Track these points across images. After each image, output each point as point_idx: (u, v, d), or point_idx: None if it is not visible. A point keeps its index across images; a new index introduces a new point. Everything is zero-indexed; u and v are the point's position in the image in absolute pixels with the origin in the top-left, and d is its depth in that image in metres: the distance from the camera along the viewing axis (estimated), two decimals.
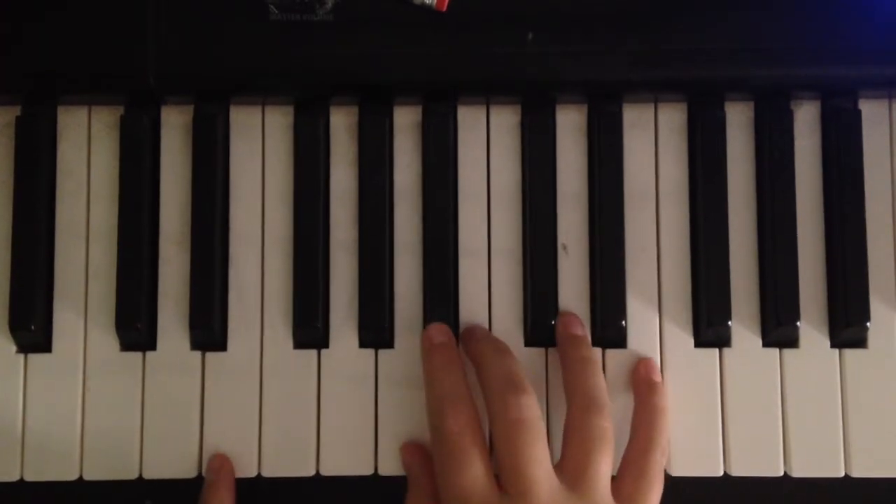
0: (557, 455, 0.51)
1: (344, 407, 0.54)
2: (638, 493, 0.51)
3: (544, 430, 0.50)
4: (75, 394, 0.54)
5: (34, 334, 0.54)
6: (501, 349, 0.53)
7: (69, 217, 0.55)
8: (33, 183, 0.55)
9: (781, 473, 0.54)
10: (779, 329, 0.54)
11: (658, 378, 0.54)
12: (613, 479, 0.51)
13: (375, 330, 0.54)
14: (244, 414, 0.54)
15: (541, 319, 0.55)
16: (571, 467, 0.49)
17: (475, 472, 0.48)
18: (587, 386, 0.51)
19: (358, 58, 0.54)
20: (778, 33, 0.54)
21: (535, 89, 0.56)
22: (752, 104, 0.57)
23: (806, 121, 0.56)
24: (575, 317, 0.54)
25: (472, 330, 0.54)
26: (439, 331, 0.53)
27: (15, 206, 0.55)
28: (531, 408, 0.49)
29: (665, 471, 0.53)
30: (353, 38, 0.54)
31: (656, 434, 0.52)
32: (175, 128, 0.56)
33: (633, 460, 0.52)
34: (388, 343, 0.55)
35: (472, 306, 0.55)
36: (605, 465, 0.50)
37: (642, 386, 0.54)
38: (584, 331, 0.54)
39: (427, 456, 0.53)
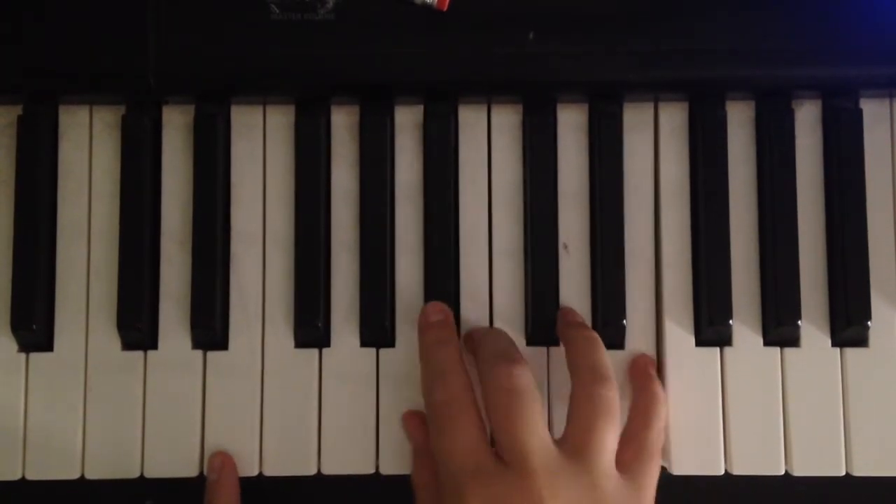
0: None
1: (345, 406, 0.54)
2: (639, 463, 0.50)
3: (540, 400, 0.49)
4: (77, 393, 0.54)
5: (36, 334, 0.54)
6: (498, 331, 0.53)
7: (71, 216, 0.56)
8: (35, 182, 0.55)
9: (783, 472, 0.54)
10: (780, 328, 0.54)
11: (655, 371, 0.54)
12: None
13: (376, 329, 0.54)
14: (245, 413, 0.54)
15: (542, 318, 0.55)
16: (575, 437, 0.48)
17: (468, 438, 0.47)
18: (592, 359, 0.51)
19: (359, 57, 0.54)
20: (778, 33, 0.54)
21: (536, 89, 0.56)
22: (752, 103, 0.56)
23: (807, 120, 0.57)
24: (574, 310, 0.55)
25: (473, 329, 0.55)
26: (435, 309, 0.53)
27: (16, 205, 0.55)
28: (524, 377, 0.49)
29: (665, 469, 0.53)
30: (354, 37, 0.54)
31: (653, 416, 0.52)
32: (176, 127, 0.56)
33: (633, 435, 0.51)
34: (390, 342, 0.55)
35: (473, 305, 0.55)
36: (610, 437, 0.49)
37: (640, 376, 0.54)
38: (585, 321, 0.55)
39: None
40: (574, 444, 0.48)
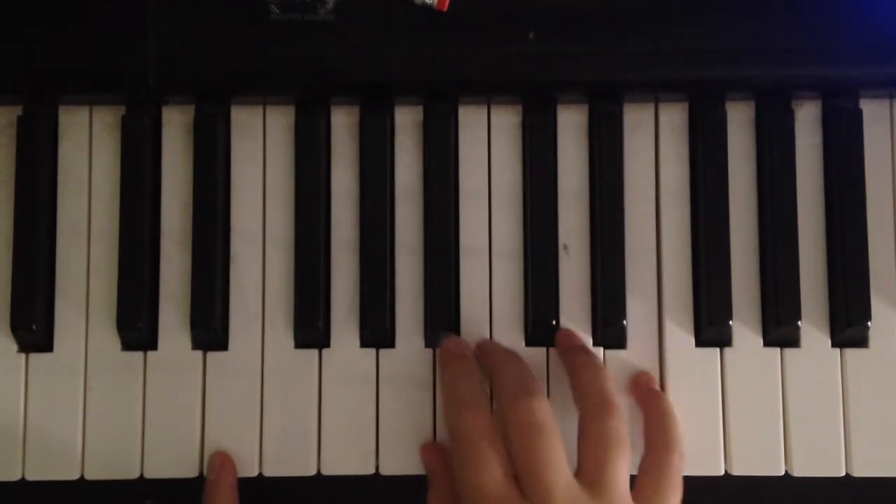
0: (569, 458, 0.50)
1: (345, 406, 0.54)
2: (658, 495, 0.50)
3: (559, 435, 0.49)
4: (76, 393, 0.54)
5: (35, 334, 0.54)
6: (514, 357, 0.53)
7: (70, 217, 0.55)
8: (35, 182, 0.55)
9: (782, 473, 0.54)
10: (780, 328, 0.54)
11: (658, 387, 0.54)
12: (632, 487, 0.50)
13: (376, 329, 0.54)
14: (245, 413, 0.54)
15: (541, 319, 0.55)
16: (589, 470, 0.49)
17: (493, 472, 0.48)
18: (597, 388, 0.51)
19: (359, 57, 0.54)
20: (778, 33, 0.54)
21: (536, 89, 0.56)
22: (753, 104, 0.56)
23: (807, 120, 0.57)
24: (574, 332, 0.55)
25: (484, 343, 0.55)
26: (456, 343, 0.54)
27: (16, 205, 0.55)
28: (545, 412, 0.49)
29: None
30: (354, 37, 0.54)
31: (672, 437, 0.52)
32: (176, 127, 0.56)
33: (652, 465, 0.51)
34: (389, 343, 0.55)
35: (472, 306, 0.55)
36: (622, 467, 0.49)
37: (646, 395, 0.54)
38: (586, 343, 0.55)
39: (446, 455, 0.52)
40: (589, 477, 0.48)
